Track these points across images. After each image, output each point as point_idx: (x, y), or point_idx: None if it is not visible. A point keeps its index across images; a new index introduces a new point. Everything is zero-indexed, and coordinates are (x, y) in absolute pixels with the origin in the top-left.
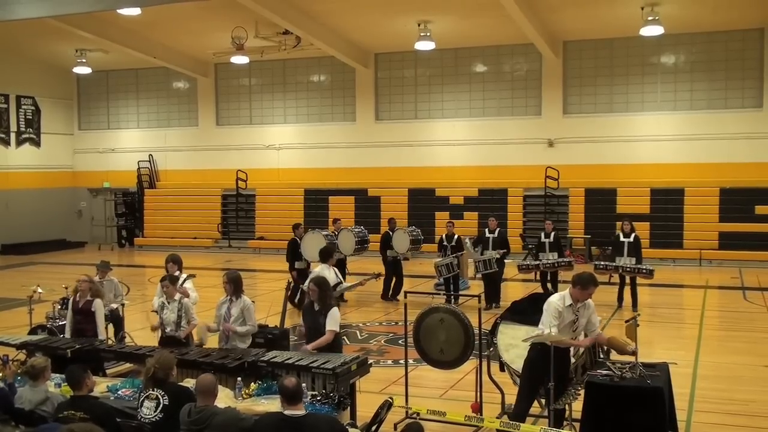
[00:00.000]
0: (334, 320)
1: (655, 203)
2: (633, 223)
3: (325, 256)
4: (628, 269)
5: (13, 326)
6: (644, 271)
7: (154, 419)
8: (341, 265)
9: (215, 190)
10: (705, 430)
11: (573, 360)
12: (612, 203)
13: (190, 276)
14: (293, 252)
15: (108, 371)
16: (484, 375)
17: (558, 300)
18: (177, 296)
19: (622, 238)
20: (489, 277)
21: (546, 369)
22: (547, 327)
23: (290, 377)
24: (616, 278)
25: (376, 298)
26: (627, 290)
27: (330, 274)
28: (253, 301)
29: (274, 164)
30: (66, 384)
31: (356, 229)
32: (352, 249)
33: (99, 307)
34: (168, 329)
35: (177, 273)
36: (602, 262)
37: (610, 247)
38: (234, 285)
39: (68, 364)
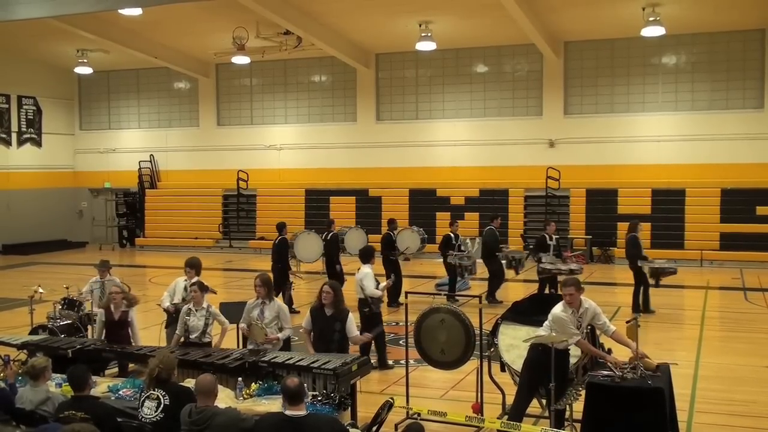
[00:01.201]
0: (354, 325)
1: (656, 204)
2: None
3: (367, 256)
4: (668, 270)
5: (14, 326)
6: (671, 270)
7: (155, 419)
8: (333, 269)
9: (216, 191)
10: (706, 430)
11: (573, 360)
12: (613, 204)
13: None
14: (284, 252)
15: (108, 371)
16: (485, 375)
17: (561, 311)
18: (204, 304)
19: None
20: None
21: (545, 369)
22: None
23: (293, 377)
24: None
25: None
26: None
27: (372, 275)
28: None
29: (275, 164)
30: (67, 384)
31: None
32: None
33: (134, 317)
34: (193, 335)
35: (195, 278)
36: (660, 265)
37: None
38: (268, 288)
39: (69, 364)
